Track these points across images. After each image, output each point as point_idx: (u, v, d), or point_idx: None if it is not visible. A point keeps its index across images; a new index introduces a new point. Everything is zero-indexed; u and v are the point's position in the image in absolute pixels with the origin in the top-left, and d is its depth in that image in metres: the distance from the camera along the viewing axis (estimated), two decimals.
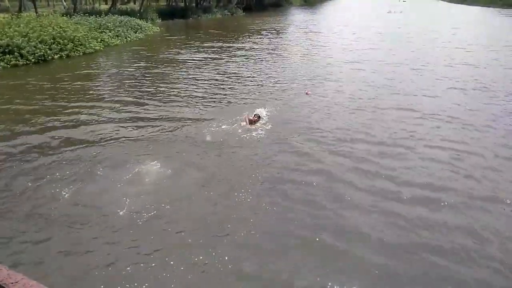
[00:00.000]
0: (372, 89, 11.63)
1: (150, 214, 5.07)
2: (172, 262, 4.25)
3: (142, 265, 4.20)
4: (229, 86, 11.94)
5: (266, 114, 8.90)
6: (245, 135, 7.73)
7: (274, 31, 27.85)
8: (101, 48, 18.31)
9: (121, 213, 5.11)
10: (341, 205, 5.37)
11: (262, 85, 12.12)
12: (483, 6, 57.43)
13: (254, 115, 8.54)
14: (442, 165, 6.59)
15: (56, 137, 7.67)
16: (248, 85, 12.17)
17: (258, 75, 13.71)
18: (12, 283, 1.21)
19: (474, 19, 39.00)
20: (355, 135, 7.86)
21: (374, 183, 5.94)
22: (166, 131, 7.98)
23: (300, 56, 17.82)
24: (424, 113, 9.30)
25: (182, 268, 4.18)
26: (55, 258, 4.33)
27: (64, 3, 30.45)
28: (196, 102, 10.18)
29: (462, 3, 66.10)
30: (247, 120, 8.27)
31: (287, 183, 5.93)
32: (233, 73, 14.08)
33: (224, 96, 10.76)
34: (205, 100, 10.36)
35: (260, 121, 8.42)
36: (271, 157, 6.79)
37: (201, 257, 4.32)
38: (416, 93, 11.35)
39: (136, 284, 3.94)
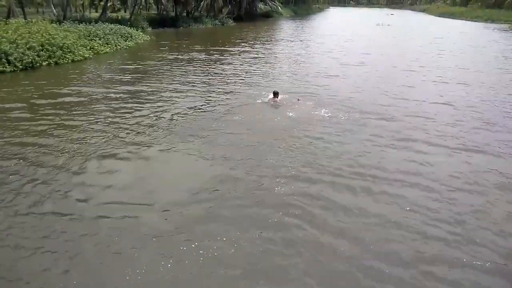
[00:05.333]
0: (373, 83, 14.08)
1: None
2: None
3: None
4: (219, 88, 12.35)
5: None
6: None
7: (266, 40, 28.30)
8: (91, 56, 18.25)
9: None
10: None
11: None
12: (469, 20, 58.97)
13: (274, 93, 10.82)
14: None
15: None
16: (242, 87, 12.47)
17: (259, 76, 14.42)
18: None
19: (460, 31, 40.25)
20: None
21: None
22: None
23: (295, 59, 19.59)
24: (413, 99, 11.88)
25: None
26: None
27: (54, 10, 30.26)
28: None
29: (449, 17, 67.75)
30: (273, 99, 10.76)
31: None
32: (226, 75, 14.97)
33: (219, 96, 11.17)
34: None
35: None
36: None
37: None
38: (409, 85, 13.90)
39: None
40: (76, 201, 5.64)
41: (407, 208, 5.59)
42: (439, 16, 72.43)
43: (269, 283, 4.17)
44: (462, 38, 33.08)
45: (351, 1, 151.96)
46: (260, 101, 11.05)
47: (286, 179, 6.39)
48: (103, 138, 8.02)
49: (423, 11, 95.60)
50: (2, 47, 14.28)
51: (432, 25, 52.17)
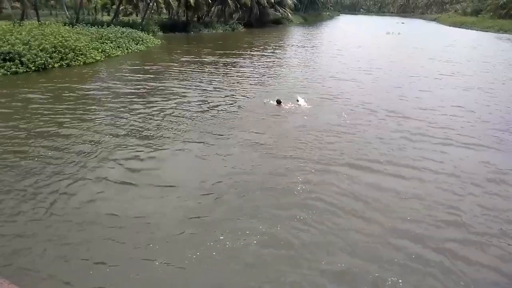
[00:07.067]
0: (384, 86, 14.60)
1: None
2: None
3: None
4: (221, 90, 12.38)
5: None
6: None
7: (277, 46, 28.41)
8: (102, 58, 18.38)
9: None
10: None
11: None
12: (481, 30, 58.51)
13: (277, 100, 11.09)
14: None
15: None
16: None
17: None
18: None
19: (471, 41, 40.04)
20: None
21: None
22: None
23: (307, 64, 19.94)
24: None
25: None
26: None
27: (67, 13, 30.65)
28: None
29: (460, 27, 67.18)
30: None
31: None
32: (239, 79, 15.13)
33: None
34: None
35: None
36: None
37: None
38: (421, 89, 14.21)
39: None
40: (95, 194, 5.89)
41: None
42: (451, 26, 71.90)
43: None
44: (473, 47, 32.91)
45: (361, 9, 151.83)
46: (274, 103, 11.17)
47: (303, 178, 6.46)
48: (119, 137, 8.11)
49: (434, 20, 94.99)
50: (15, 48, 14.44)
51: (443, 34, 51.80)
